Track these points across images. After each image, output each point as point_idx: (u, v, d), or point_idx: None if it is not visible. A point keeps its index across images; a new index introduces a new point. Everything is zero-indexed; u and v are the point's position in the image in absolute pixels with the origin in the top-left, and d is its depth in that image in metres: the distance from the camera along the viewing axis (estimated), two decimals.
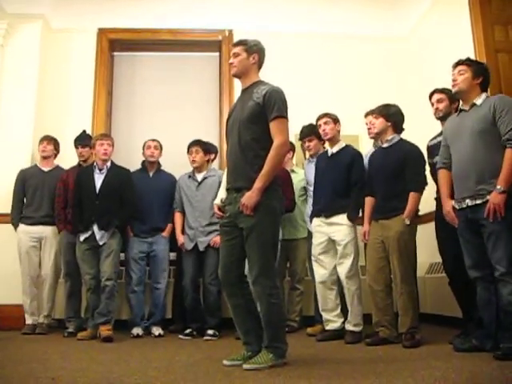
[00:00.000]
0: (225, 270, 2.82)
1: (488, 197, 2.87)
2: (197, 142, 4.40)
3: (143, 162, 4.60)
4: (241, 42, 2.93)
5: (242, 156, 2.77)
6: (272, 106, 2.73)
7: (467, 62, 3.11)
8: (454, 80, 3.11)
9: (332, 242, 3.81)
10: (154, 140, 4.56)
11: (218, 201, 2.89)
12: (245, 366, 2.63)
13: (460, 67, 3.10)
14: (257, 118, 2.77)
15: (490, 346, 2.91)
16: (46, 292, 4.46)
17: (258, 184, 2.67)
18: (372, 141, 4.18)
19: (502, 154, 2.88)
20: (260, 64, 2.96)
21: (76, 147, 4.66)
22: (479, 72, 3.08)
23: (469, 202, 2.97)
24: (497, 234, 2.85)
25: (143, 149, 4.57)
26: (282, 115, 2.75)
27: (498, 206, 2.81)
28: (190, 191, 4.33)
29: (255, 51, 2.92)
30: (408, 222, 3.49)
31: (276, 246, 2.83)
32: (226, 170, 3.05)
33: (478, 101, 3.05)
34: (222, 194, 2.92)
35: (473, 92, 3.07)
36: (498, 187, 2.82)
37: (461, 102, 3.21)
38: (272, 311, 2.70)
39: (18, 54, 5.20)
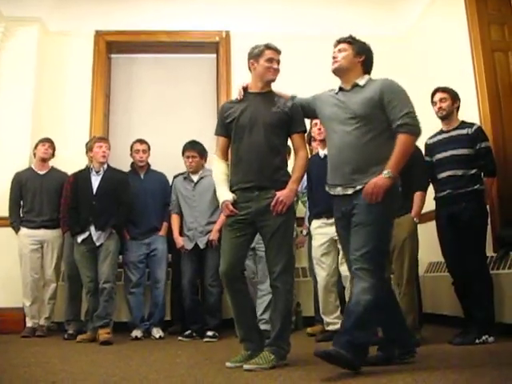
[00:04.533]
0: (231, 266, 2.82)
1: (359, 187, 2.61)
2: (192, 147, 4.36)
3: (132, 164, 4.58)
4: (280, 51, 3.03)
5: (271, 158, 2.85)
6: (300, 120, 2.95)
7: (349, 40, 2.85)
8: (333, 57, 2.83)
9: (334, 242, 3.80)
10: (141, 143, 4.53)
11: (229, 198, 2.86)
12: (245, 367, 2.65)
13: (341, 45, 2.85)
14: (283, 126, 2.91)
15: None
16: (48, 295, 4.47)
17: (295, 185, 2.85)
18: None
19: (382, 142, 2.65)
20: None
21: (86, 149, 4.64)
22: (361, 50, 2.84)
23: (340, 190, 2.71)
24: (362, 225, 2.58)
25: (131, 150, 4.55)
26: (305, 130, 3.00)
27: (378, 189, 2.53)
28: (187, 192, 4.34)
29: None
30: (418, 221, 3.51)
31: (293, 245, 2.96)
32: (219, 164, 3.00)
33: (361, 81, 2.78)
34: (228, 191, 2.89)
35: (354, 71, 2.81)
36: (386, 172, 2.55)
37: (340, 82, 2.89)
38: (287, 308, 2.80)
39: (15, 56, 5.19)
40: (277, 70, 2.97)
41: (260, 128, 2.87)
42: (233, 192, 2.89)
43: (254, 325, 2.93)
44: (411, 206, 3.53)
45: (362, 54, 2.83)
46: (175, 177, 4.59)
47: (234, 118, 2.95)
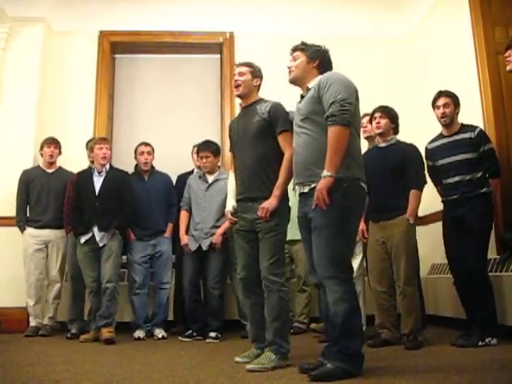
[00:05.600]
0: (247, 269, 3.02)
1: (313, 185, 2.59)
2: (206, 147, 4.33)
3: (136, 166, 4.58)
4: (247, 64, 3.14)
5: (259, 169, 2.97)
6: (277, 120, 2.97)
7: (301, 47, 2.85)
8: (288, 67, 2.85)
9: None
10: (146, 145, 4.52)
11: (230, 208, 3.14)
12: (248, 367, 2.70)
13: (294, 53, 2.85)
14: (265, 133, 2.99)
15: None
16: (52, 294, 4.48)
17: (277, 192, 2.90)
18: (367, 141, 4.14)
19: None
20: (259, 88, 3.18)
21: (86, 147, 4.68)
22: (314, 55, 2.81)
23: (298, 189, 2.73)
24: (318, 230, 2.56)
25: (135, 153, 4.54)
26: (287, 129, 2.95)
27: (320, 192, 2.48)
28: (200, 191, 4.33)
29: (259, 76, 3.16)
30: (412, 221, 3.50)
31: (284, 247, 3.05)
32: (232, 178, 3.21)
33: (311, 83, 2.75)
34: (232, 201, 3.16)
35: (309, 76, 2.79)
36: (324, 172, 2.50)
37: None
38: (281, 306, 2.87)
39: (20, 57, 5.20)
40: (237, 82, 3.09)
41: (246, 141, 3.03)
42: (237, 201, 3.12)
43: (265, 326, 3.01)
44: (407, 206, 3.52)
45: (315, 59, 2.82)
46: (180, 176, 4.59)
47: (231, 136, 3.22)
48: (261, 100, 3.12)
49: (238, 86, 3.09)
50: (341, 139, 2.52)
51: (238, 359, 2.94)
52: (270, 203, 2.88)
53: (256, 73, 3.13)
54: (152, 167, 4.59)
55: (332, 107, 2.54)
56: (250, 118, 3.05)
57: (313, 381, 2.37)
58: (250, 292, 3.02)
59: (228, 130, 3.29)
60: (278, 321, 2.86)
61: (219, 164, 4.52)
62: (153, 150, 4.56)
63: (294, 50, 2.88)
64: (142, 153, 4.49)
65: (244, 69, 3.11)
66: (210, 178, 4.34)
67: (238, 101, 5.38)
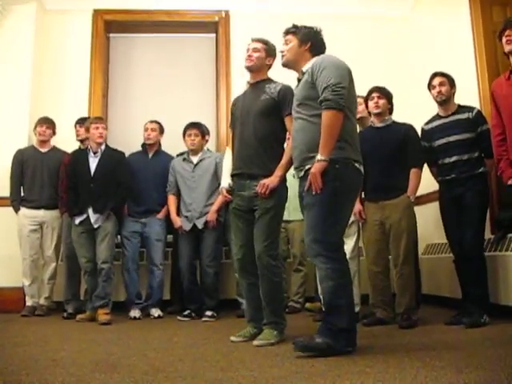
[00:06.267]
0: (246, 249, 3.02)
1: (307, 166, 2.63)
2: (195, 125, 4.38)
3: (143, 144, 4.59)
4: (263, 41, 3.11)
5: (259, 147, 2.98)
6: (287, 102, 2.96)
7: (292, 30, 2.85)
8: (281, 51, 2.87)
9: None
10: (152, 122, 4.55)
11: (226, 185, 3.13)
12: (255, 343, 2.81)
13: (286, 37, 2.86)
14: (271, 112, 3.00)
15: None
16: (48, 274, 4.49)
17: (280, 172, 2.94)
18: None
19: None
20: (270, 67, 3.17)
21: (75, 127, 4.69)
22: (306, 38, 2.81)
23: (295, 173, 2.79)
24: (308, 208, 2.62)
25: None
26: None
27: (313, 176, 2.52)
28: (186, 173, 4.34)
29: (273, 55, 3.13)
30: (413, 199, 3.52)
31: (279, 229, 3.09)
32: (229, 154, 3.21)
33: (306, 67, 2.76)
34: (228, 179, 3.14)
35: (302, 60, 2.80)
36: (318, 156, 2.54)
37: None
38: (276, 288, 2.96)
39: (13, 35, 5.13)
40: (251, 57, 3.07)
41: (250, 118, 3.02)
42: (232, 177, 3.11)
43: (261, 306, 3.05)
44: (407, 186, 3.54)
45: (307, 42, 2.82)
46: (178, 155, 4.59)
47: (233, 111, 3.20)
48: (269, 80, 3.13)
49: (250, 60, 3.07)
50: (334, 123, 2.54)
51: (233, 338, 2.98)
52: (272, 181, 2.90)
53: (270, 51, 3.11)
54: (159, 146, 4.61)
55: (325, 92, 2.55)
56: (257, 96, 3.04)
57: (296, 349, 2.44)
58: (248, 272, 3.05)
59: (231, 105, 3.30)
60: (274, 302, 2.95)
61: (206, 144, 4.55)
62: (161, 128, 4.59)
63: (286, 33, 2.88)
64: (147, 129, 4.53)
65: (259, 45, 3.09)
66: (195, 159, 4.36)
67: (233, 80, 5.36)
